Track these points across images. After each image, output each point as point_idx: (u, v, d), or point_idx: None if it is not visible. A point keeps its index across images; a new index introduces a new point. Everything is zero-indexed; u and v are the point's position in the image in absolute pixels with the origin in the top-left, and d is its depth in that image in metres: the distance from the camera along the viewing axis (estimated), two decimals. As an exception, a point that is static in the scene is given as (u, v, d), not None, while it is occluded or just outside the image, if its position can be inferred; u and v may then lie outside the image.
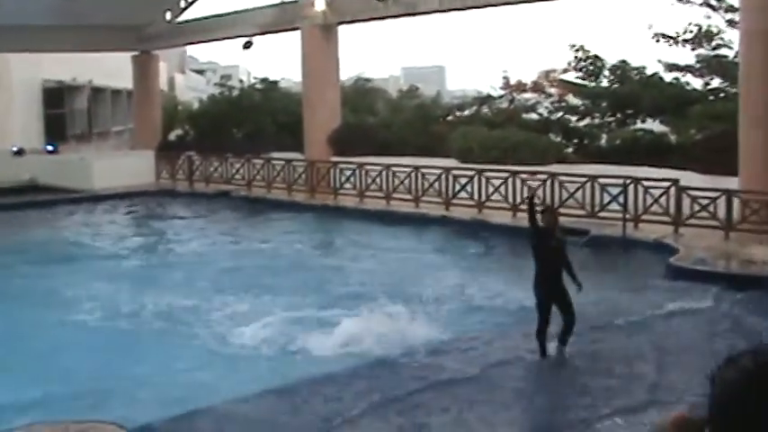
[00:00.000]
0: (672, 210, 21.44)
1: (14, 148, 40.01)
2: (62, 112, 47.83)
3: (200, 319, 15.81)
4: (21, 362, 13.57)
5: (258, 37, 35.36)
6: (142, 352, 14.14)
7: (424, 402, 10.70)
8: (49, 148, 41.97)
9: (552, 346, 12.34)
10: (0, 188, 35.34)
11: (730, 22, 29.04)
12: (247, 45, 35.20)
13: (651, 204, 21.83)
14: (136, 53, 41.75)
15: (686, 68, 31.16)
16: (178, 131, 41.18)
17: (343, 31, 33.10)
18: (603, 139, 31.77)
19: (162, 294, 17.76)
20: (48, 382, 12.23)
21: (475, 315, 15.92)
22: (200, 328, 15.13)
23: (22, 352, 14.10)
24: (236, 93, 42.13)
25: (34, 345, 14.46)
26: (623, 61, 32.74)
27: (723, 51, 30.35)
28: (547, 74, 34.88)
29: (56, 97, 47.46)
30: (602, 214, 22.52)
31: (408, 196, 27.21)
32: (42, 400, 11.41)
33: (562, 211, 22.66)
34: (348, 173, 29.28)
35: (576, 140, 32.06)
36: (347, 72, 43.98)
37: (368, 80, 45.68)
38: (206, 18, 38.62)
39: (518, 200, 24.14)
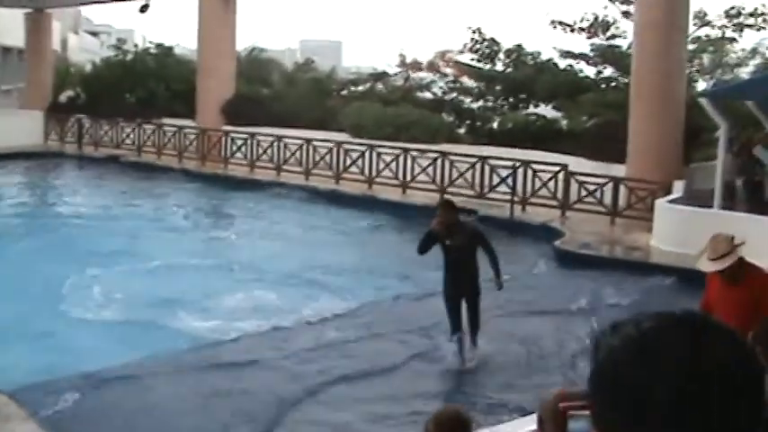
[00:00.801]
0: (560, 194, 21.71)
1: None
2: (-50, 68, 46.77)
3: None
4: None
5: (155, 1, 34.91)
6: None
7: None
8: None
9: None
10: None
11: (625, 14, 29.47)
12: (144, 8, 34.69)
13: (540, 188, 22.10)
14: (29, 10, 40.85)
15: (580, 56, 31.58)
16: (69, 93, 40.46)
17: (242, 0, 32.84)
18: (496, 122, 32.05)
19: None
20: None
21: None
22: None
23: None
24: (130, 57, 41.49)
25: None
26: (519, 46, 33.05)
27: (617, 42, 30.83)
28: (443, 54, 35.03)
29: (-56, 52, 46.38)
30: (490, 195, 22.72)
31: (299, 169, 27.12)
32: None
33: (451, 190, 23.06)
34: (240, 142, 29.10)
35: (468, 122, 32.28)
36: (244, 42, 43.53)
37: (263, 50, 45.36)
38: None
39: (408, 177, 24.26)
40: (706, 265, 8.07)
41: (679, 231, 16.83)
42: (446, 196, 12.21)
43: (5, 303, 13.63)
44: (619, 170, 21.57)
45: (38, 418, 8.62)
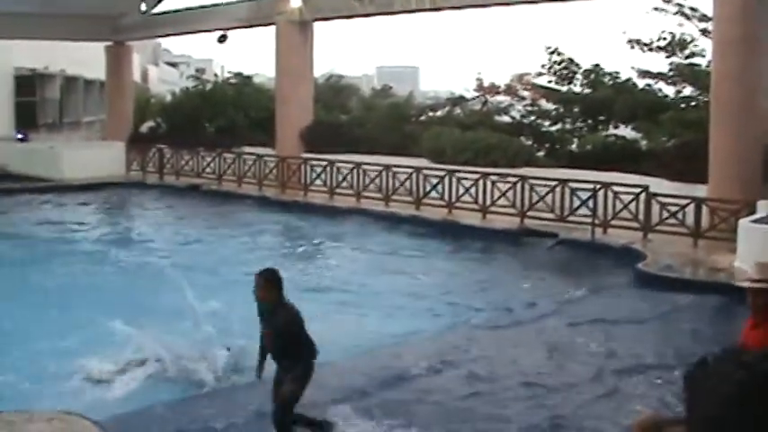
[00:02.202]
0: (641, 216, 21.50)
1: (-17, 135, 39.83)
2: (33, 101, 47.58)
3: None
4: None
5: (233, 31, 35.29)
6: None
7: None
8: (19, 136, 41.80)
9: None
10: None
11: (703, 32, 29.15)
12: (222, 39, 35.14)
13: (621, 210, 21.86)
14: (109, 44, 41.50)
15: (659, 75, 31.28)
16: (150, 123, 41.01)
17: (319, 27, 33.06)
18: (575, 144, 31.89)
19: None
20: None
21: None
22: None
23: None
24: (209, 86, 41.99)
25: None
26: (597, 66, 32.86)
27: (696, 60, 30.50)
28: (520, 77, 34.97)
29: (27, 85, 47.20)
30: (571, 218, 22.54)
31: (378, 195, 27.17)
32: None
33: (531, 213, 22.99)
34: (319, 170, 29.22)
35: (547, 144, 32.18)
36: (321, 69, 43.86)
37: (341, 77, 45.64)
38: (181, 10, 38.51)
39: (488, 201, 24.22)
40: (746, 283, 7.79)
41: (764, 251, 16.55)
42: (269, 267, 8.47)
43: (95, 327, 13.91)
44: (701, 190, 21.30)
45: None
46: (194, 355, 12.69)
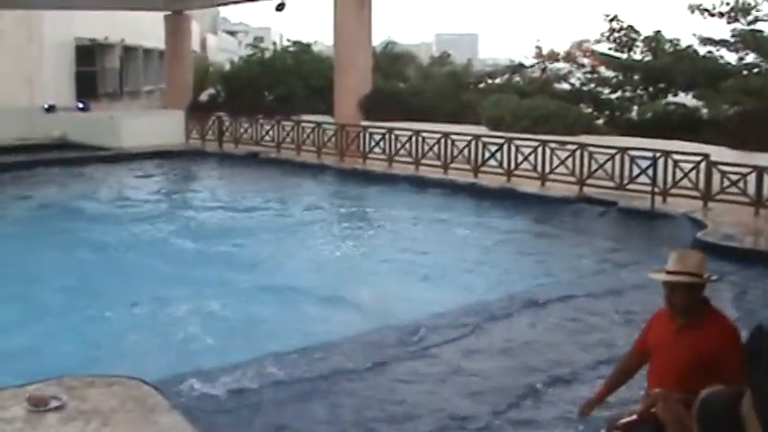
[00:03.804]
0: (701, 184, 21.33)
1: (46, 105, 40.33)
2: (94, 71, 48.07)
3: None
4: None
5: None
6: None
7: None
8: (80, 105, 42.20)
9: None
10: (31, 144, 35.81)
11: (769, -4, 28.84)
12: (280, 7, 35.21)
13: (681, 179, 21.69)
14: (168, 13, 41.75)
15: (721, 42, 30.94)
16: (209, 92, 41.22)
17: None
18: (635, 112, 31.67)
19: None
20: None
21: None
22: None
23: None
24: (268, 55, 42.10)
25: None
26: (658, 33, 32.56)
27: (759, 26, 30.13)
28: (579, 44, 34.77)
29: (88, 55, 47.68)
30: (630, 187, 22.38)
31: (437, 162, 27.15)
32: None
33: (590, 181, 22.89)
34: (377, 137, 29.25)
35: (606, 112, 31.99)
36: (380, 37, 43.80)
37: (398, 45, 45.55)
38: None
39: (547, 169, 24.13)
40: (660, 275, 6.50)
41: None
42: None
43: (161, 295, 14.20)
44: (763, 159, 21.08)
45: (183, 409, 8.75)
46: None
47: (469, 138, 26.56)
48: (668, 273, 6.42)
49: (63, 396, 8.60)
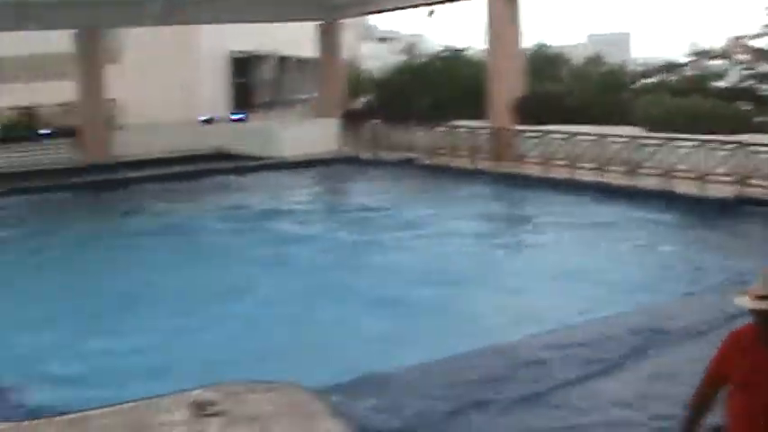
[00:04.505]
0: None
1: (204, 117, 41.34)
2: (249, 82, 49.00)
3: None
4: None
5: (441, 5, 35.50)
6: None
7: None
8: (237, 116, 43.12)
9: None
10: (190, 155, 36.87)
11: None
12: (431, 14, 35.41)
13: None
14: (321, 23, 42.28)
15: None
16: (362, 99, 41.62)
17: (527, -1, 32.89)
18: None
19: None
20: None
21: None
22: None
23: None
24: (420, 61, 42.32)
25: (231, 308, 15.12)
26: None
27: None
28: (737, 40, 34.05)
29: (243, 67, 48.71)
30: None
31: (593, 165, 26.94)
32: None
33: (754, 182, 22.39)
34: (532, 141, 29.16)
35: (768, 109, 31.26)
36: (531, 40, 43.56)
37: (550, 47, 45.25)
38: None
39: (706, 170, 23.73)
40: (748, 301, 4.97)
41: None
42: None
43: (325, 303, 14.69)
44: None
45: (344, 416, 8.91)
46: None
47: (626, 139, 26.31)
48: (758, 297, 4.99)
49: (224, 401, 8.95)
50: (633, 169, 25.79)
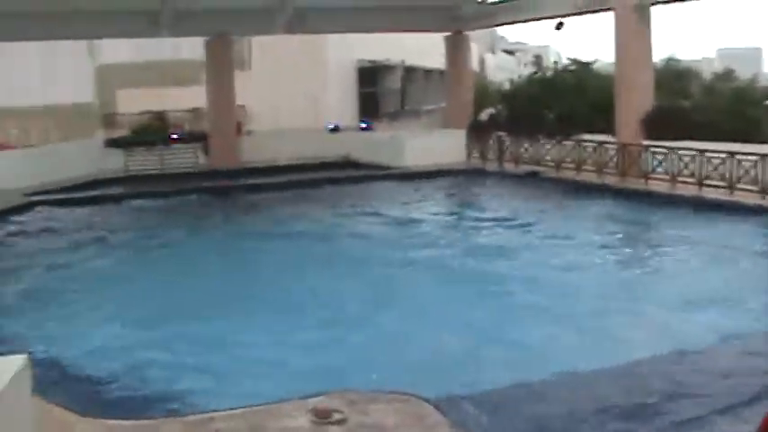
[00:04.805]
0: None
1: (331, 125, 41.87)
2: (375, 91, 49.40)
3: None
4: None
5: (569, 18, 35.26)
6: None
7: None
8: (363, 125, 43.50)
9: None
10: (318, 163, 37.35)
11: None
12: (559, 26, 35.23)
13: None
14: (448, 34, 42.35)
15: None
16: (489, 111, 41.55)
17: (657, 11, 32.44)
18: None
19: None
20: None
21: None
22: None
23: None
24: (549, 73, 42.11)
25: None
26: None
27: None
28: None
29: (369, 76, 49.16)
30: None
31: (722, 183, 26.38)
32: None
33: None
34: (659, 157, 28.71)
35: None
36: (660, 53, 43.03)
37: (679, 62, 44.69)
38: (518, -1, 38.75)
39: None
40: None
41: None
42: None
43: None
44: None
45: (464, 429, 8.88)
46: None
47: (757, 157, 25.72)
48: None
49: (345, 409, 8.98)
50: (765, 188, 25.19)
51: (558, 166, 32.63)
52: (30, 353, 7.51)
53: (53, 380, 11.65)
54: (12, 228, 26.50)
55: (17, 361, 6.86)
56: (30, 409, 7.27)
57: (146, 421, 9.69)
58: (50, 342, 13.83)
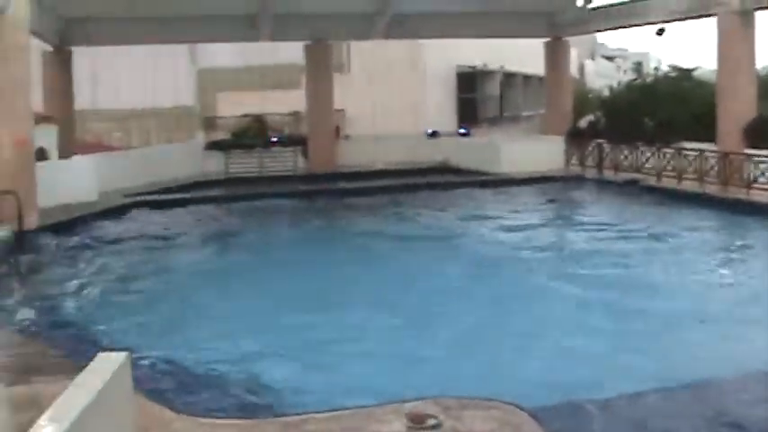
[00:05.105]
0: None
1: (429, 131, 41.95)
2: (474, 97, 49.35)
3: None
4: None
5: (670, 23, 34.86)
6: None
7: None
8: (462, 131, 43.53)
9: None
10: (417, 168, 37.52)
11: None
12: (660, 32, 34.86)
13: None
14: (547, 39, 42.14)
15: None
16: (589, 118, 41.27)
17: (762, 16, 31.89)
18: None
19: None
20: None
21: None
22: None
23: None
24: (649, 80, 41.68)
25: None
26: None
27: None
28: None
29: (468, 82, 49.14)
30: None
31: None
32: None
33: None
34: (762, 166, 28.22)
35: None
36: (764, 60, 42.38)
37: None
38: (617, 4, 38.39)
39: None
40: None
41: None
42: None
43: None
44: None
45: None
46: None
47: None
48: None
49: (440, 415, 9.00)
50: None
51: (659, 174, 32.19)
52: (131, 350, 7.77)
53: (155, 377, 11.95)
54: (115, 228, 27.00)
55: (119, 357, 7.11)
56: (130, 404, 7.51)
57: (241, 421, 9.81)
58: (155, 340, 14.09)
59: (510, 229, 25.78)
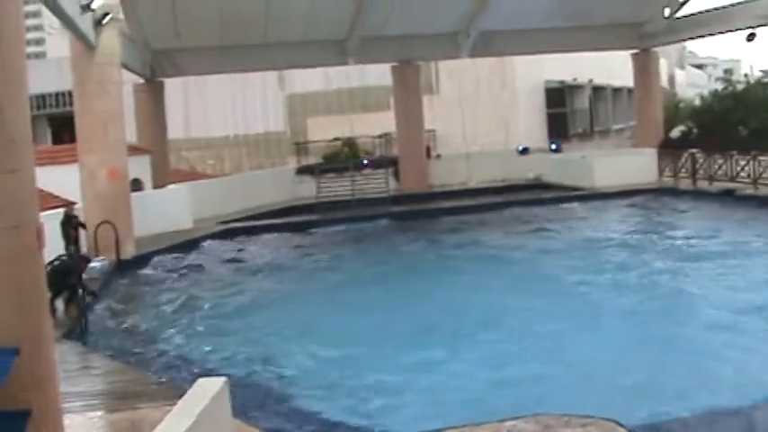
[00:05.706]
0: None
1: (520, 147, 41.89)
2: (564, 112, 49.04)
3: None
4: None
5: (762, 28, 34.35)
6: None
7: None
8: (553, 146, 43.33)
9: None
10: (508, 185, 37.48)
11: None
12: (751, 37, 34.35)
13: None
14: (635, 51, 41.75)
15: None
16: (681, 128, 40.82)
17: None
18: None
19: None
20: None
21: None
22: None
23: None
24: (740, 88, 41.13)
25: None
26: None
27: None
28: None
29: (557, 97, 48.83)
30: None
31: None
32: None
33: None
34: None
35: None
36: None
37: None
38: (705, 12, 37.93)
39: None
40: None
41: None
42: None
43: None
44: None
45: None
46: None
47: None
48: None
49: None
50: None
51: (756, 182, 31.66)
52: (229, 376, 7.88)
53: (258, 402, 12.11)
54: (210, 255, 27.25)
55: (217, 383, 7.35)
56: (229, 427, 7.68)
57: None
58: (251, 364, 14.21)
59: (614, 245, 25.38)
